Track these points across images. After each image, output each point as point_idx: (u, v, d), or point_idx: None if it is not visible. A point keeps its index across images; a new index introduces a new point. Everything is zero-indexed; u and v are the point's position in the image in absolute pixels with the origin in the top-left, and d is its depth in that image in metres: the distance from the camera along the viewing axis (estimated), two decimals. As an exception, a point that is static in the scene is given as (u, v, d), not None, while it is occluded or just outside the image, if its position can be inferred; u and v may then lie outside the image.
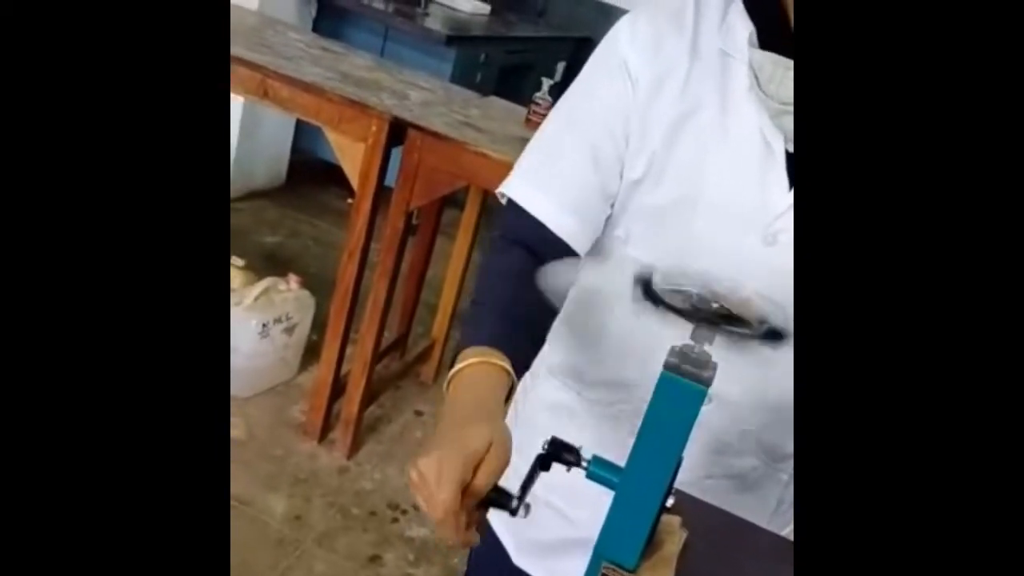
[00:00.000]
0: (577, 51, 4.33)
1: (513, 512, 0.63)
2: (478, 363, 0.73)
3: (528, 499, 0.63)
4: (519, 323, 0.79)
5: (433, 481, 0.60)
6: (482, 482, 0.62)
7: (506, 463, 0.64)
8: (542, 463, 0.67)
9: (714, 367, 0.60)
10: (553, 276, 0.73)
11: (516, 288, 0.80)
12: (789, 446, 0.93)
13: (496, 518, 1.05)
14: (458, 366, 0.73)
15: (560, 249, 0.84)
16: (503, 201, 0.89)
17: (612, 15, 0.87)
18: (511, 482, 0.65)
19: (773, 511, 0.97)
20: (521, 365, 0.76)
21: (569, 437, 0.69)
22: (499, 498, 0.63)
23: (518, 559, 1.02)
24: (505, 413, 0.70)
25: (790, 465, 0.95)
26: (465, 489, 0.61)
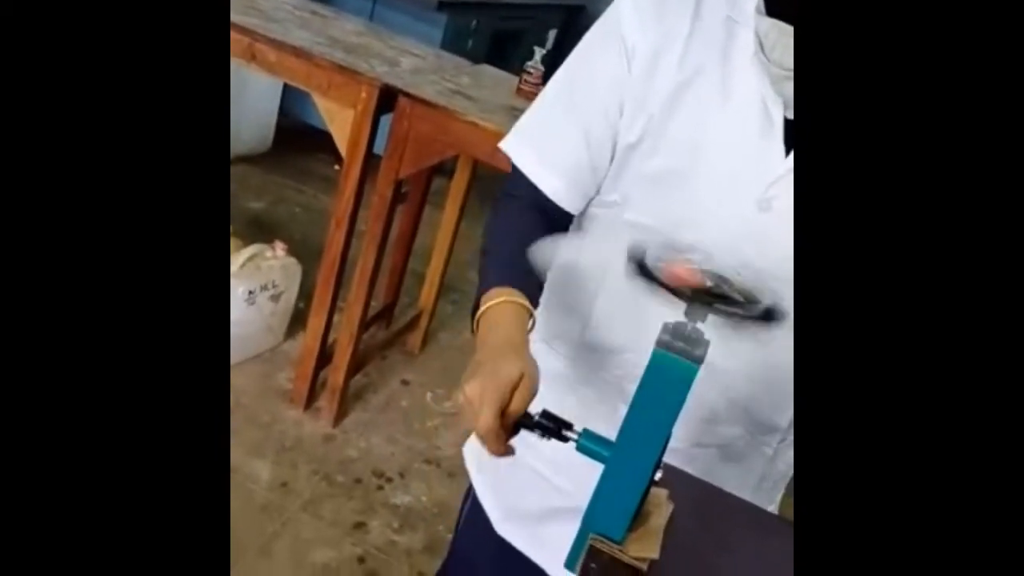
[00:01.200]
0: (569, 19, 4.28)
1: (542, 434, 0.71)
2: (503, 302, 0.79)
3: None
4: (530, 270, 0.84)
5: (477, 403, 0.69)
6: (517, 406, 0.70)
7: (535, 391, 0.72)
8: (542, 432, 0.70)
9: (706, 345, 0.60)
10: (538, 250, 0.78)
11: (521, 237, 0.85)
12: (775, 418, 0.94)
13: (482, 486, 1.06)
14: (484, 306, 0.80)
15: (553, 207, 0.90)
16: (508, 159, 0.93)
17: None
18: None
19: (756, 485, 0.98)
20: (535, 302, 0.83)
21: (560, 403, 0.71)
22: (528, 422, 0.71)
23: (501, 528, 1.03)
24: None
25: (774, 438, 0.96)
26: (503, 411, 0.69)
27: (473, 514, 1.08)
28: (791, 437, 0.98)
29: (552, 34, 4.22)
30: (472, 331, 0.81)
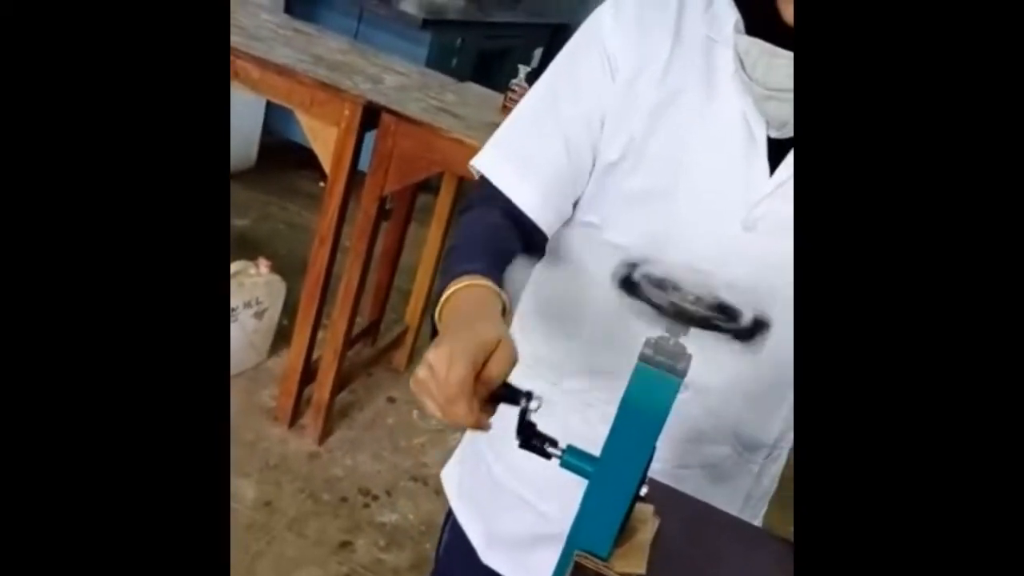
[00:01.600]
0: (554, 37, 4.31)
1: (524, 408, 0.61)
2: (468, 285, 0.70)
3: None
4: (499, 261, 0.76)
5: (445, 367, 0.58)
6: (494, 371, 0.60)
7: (515, 360, 0.62)
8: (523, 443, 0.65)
9: (688, 359, 0.60)
10: (508, 273, 0.73)
11: (493, 233, 0.79)
12: (762, 436, 0.94)
13: (465, 516, 1.05)
14: (448, 292, 0.70)
15: (526, 226, 0.84)
16: (476, 176, 0.89)
17: (589, 2, 0.87)
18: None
19: (742, 504, 0.98)
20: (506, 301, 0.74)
21: (543, 428, 0.69)
22: (509, 394, 0.61)
23: (487, 556, 1.02)
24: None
25: (760, 455, 0.96)
26: (476, 377, 0.59)
27: (454, 539, 1.06)
28: (776, 452, 0.98)
29: (538, 53, 4.26)
30: (432, 333, 0.70)
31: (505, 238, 0.81)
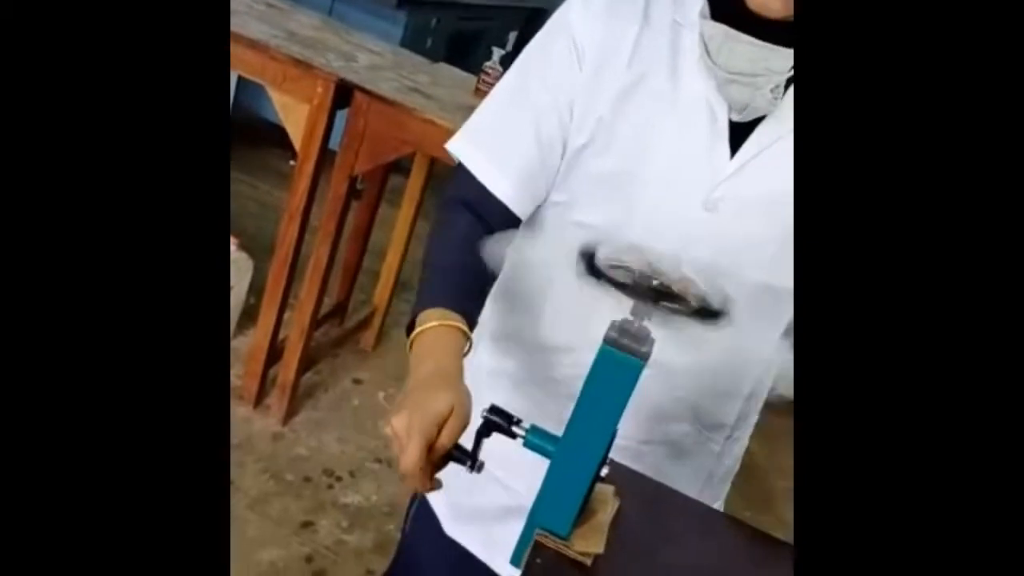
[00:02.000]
0: (530, 21, 4.29)
1: (471, 467, 0.71)
2: (438, 326, 0.78)
3: (482, 458, 0.71)
4: (469, 287, 0.84)
5: (404, 438, 0.68)
6: (445, 441, 0.69)
7: (466, 424, 0.70)
8: (485, 431, 0.68)
9: (652, 342, 0.61)
10: (489, 248, 0.78)
11: (464, 254, 0.83)
12: (721, 415, 0.96)
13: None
14: (419, 328, 0.78)
15: (501, 211, 0.88)
16: (453, 161, 0.91)
17: None
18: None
19: (704, 483, 1.00)
20: (473, 322, 0.82)
21: (510, 402, 0.71)
22: (459, 455, 0.71)
23: (451, 528, 1.03)
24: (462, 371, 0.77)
25: (721, 435, 0.97)
26: (431, 446, 0.69)
27: (422, 514, 1.07)
28: (737, 433, 1.00)
29: (512, 36, 4.23)
30: (408, 349, 0.79)
31: (473, 247, 0.83)
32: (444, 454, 0.70)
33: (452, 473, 1.04)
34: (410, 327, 0.79)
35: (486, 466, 0.99)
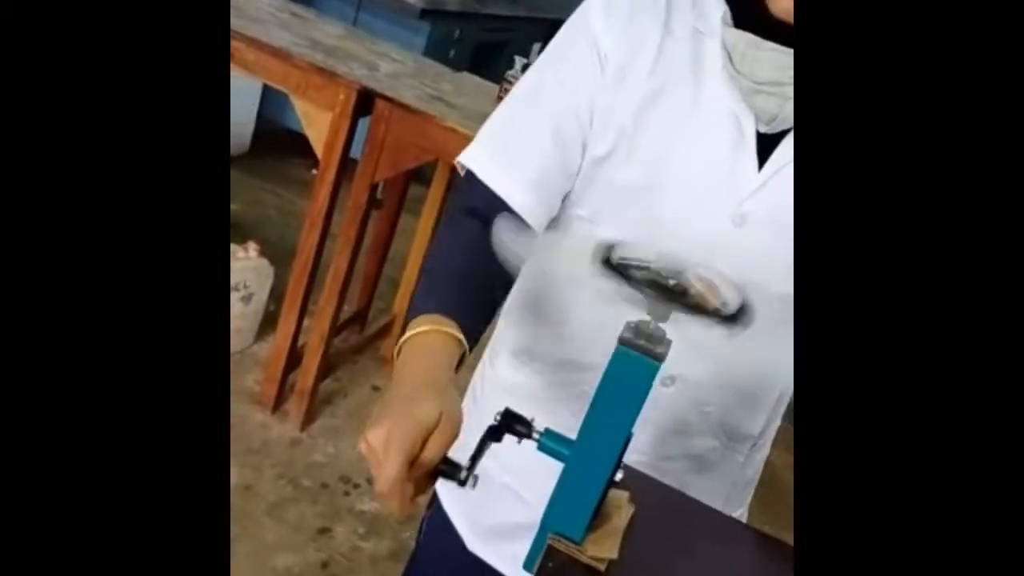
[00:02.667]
0: (552, 32, 4.26)
1: (462, 483, 0.62)
2: (430, 331, 0.70)
3: (477, 471, 0.63)
4: (471, 294, 0.77)
5: (381, 453, 0.59)
6: (430, 455, 0.61)
7: (455, 435, 0.63)
8: (493, 434, 0.66)
9: (668, 343, 0.60)
10: (508, 244, 0.69)
11: (469, 258, 0.78)
12: (748, 426, 0.94)
13: (451, 502, 1.04)
14: (409, 333, 0.71)
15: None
16: (461, 172, 0.87)
17: None
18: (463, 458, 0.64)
19: (728, 494, 0.98)
20: (473, 335, 0.74)
21: (525, 411, 0.68)
22: (448, 470, 0.62)
23: (473, 544, 1.01)
24: (455, 384, 0.69)
25: (747, 445, 0.96)
26: (413, 461, 0.60)
27: (437, 525, 1.06)
28: (761, 441, 0.98)
29: (536, 47, 4.25)
30: (396, 357, 0.71)
31: (479, 257, 0.77)
32: (430, 470, 0.62)
33: (470, 491, 1.02)
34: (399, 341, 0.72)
35: (503, 479, 0.98)
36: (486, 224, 0.80)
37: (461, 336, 0.71)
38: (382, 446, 0.59)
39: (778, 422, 1.00)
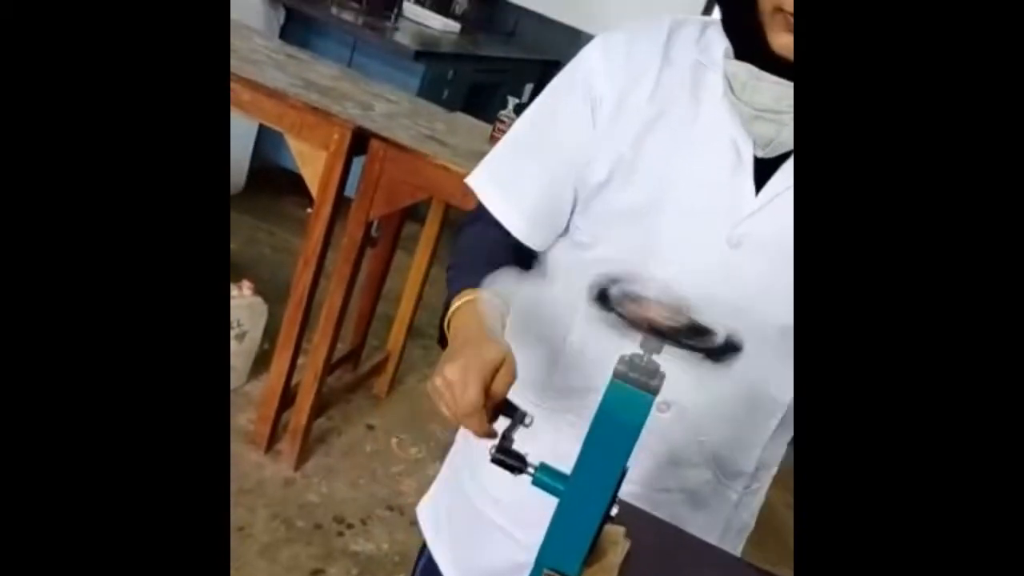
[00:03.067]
0: (545, 74, 4.37)
1: (520, 421, 0.70)
2: (474, 299, 0.79)
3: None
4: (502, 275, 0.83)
5: (459, 384, 0.68)
6: (500, 387, 0.70)
7: (515, 376, 0.71)
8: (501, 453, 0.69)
9: (662, 376, 0.60)
10: (500, 282, 0.80)
11: (491, 252, 0.86)
12: (742, 463, 0.94)
13: (440, 551, 1.04)
14: (455, 305, 0.80)
15: (518, 245, 0.90)
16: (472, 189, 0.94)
17: (581, 39, 0.91)
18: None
19: (721, 533, 0.97)
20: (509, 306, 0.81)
21: (525, 447, 0.69)
22: (508, 409, 0.71)
23: None
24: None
25: (739, 483, 0.95)
26: (485, 392, 0.68)
27: (428, 570, 1.05)
28: (755, 485, 0.98)
29: (529, 88, 4.31)
30: (440, 342, 0.80)
31: (504, 254, 0.87)
32: (494, 407, 0.69)
33: (460, 532, 1.03)
34: (443, 318, 0.80)
35: (497, 520, 0.98)
36: (497, 227, 0.91)
37: (500, 300, 0.79)
38: (460, 377, 0.68)
39: (775, 468, 0.99)
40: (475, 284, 0.81)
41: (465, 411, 0.68)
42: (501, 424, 0.71)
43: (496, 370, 0.69)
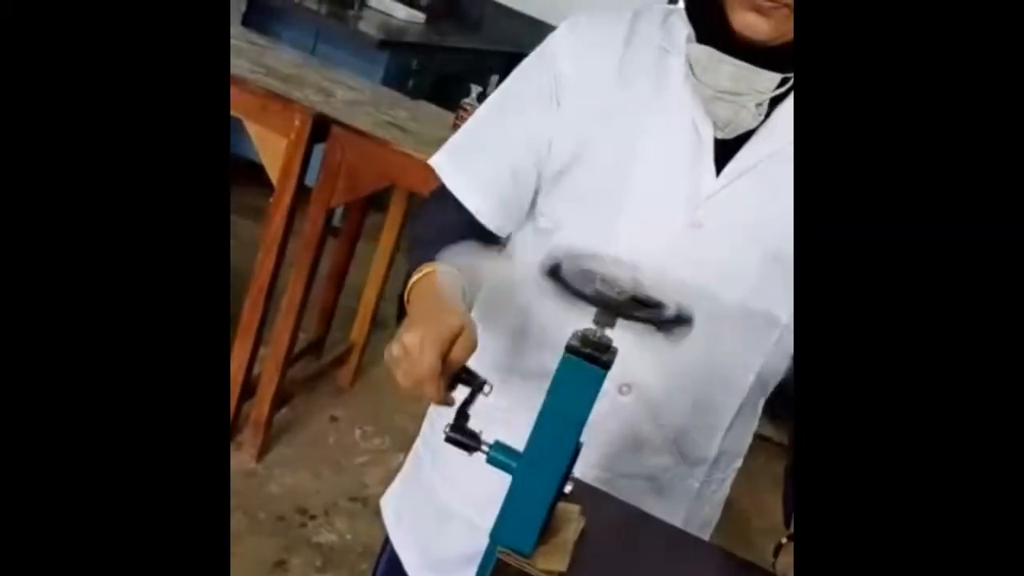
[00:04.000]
0: (510, 65, 4.31)
1: (479, 389, 0.70)
2: (433, 271, 0.78)
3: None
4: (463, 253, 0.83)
5: (417, 350, 0.67)
6: (458, 355, 0.69)
7: (475, 345, 0.70)
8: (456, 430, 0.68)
9: (614, 352, 0.60)
10: (459, 258, 0.78)
11: (450, 234, 0.84)
12: (703, 449, 0.94)
13: (401, 541, 1.04)
14: (414, 278, 0.79)
15: (481, 228, 0.89)
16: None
17: (546, 31, 0.91)
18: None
19: (683, 523, 0.97)
20: (469, 287, 0.81)
21: (492, 432, 0.68)
22: (467, 377, 0.70)
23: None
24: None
25: (702, 471, 0.96)
26: (443, 359, 0.68)
27: (391, 565, 1.05)
28: (718, 475, 0.98)
29: (494, 79, 4.28)
30: (400, 320, 0.80)
31: (462, 236, 0.85)
32: (452, 376, 0.69)
33: (423, 523, 1.02)
34: (403, 293, 0.80)
35: (461, 510, 0.97)
36: (456, 211, 0.90)
37: (459, 274, 0.78)
38: (417, 343, 0.67)
39: (738, 461, 1.00)
40: (434, 255, 0.80)
41: (420, 377, 0.67)
42: (461, 395, 0.70)
43: (455, 337, 0.68)
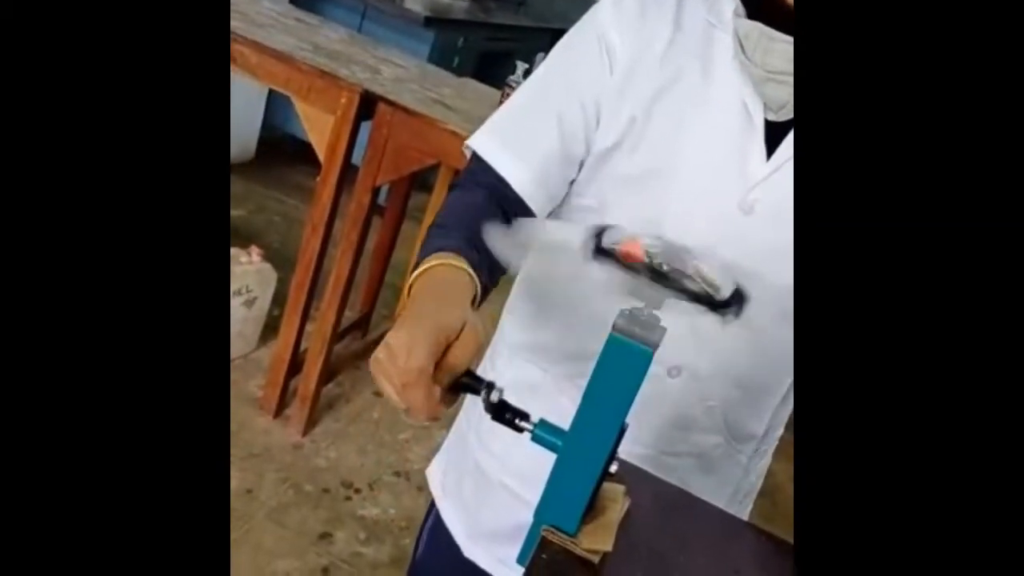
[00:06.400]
0: (555, 42, 4.31)
1: (487, 395, 0.60)
2: (441, 264, 0.69)
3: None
4: (483, 249, 0.74)
5: (404, 349, 0.57)
6: (455, 360, 0.59)
7: (479, 347, 0.60)
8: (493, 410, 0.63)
9: (662, 331, 0.59)
10: (492, 238, 0.68)
11: (480, 219, 0.76)
12: (752, 426, 0.93)
13: (448, 508, 1.04)
14: (421, 268, 0.69)
15: (517, 207, 0.84)
16: (467, 154, 0.89)
17: (590, 7, 0.87)
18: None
19: (730, 497, 0.97)
20: (483, 278, 0.72)
21: (533, 415, 0.66)
22: (471, 382, 0.60)
23: (469, 550, 1.00)
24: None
25: (750, 447, 0.95)
26: (437, 364, 0.58)
27: (436, 534, 1.05)
28: (764, 447, 0.97)
29: (540, 57, 4.25)
30: (406, 295, 0.70)
31: (487, 217, 0.79)
32: (453, 381, 0.58)
33: (468, 493, 1.02)
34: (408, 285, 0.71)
35: (503, 480, 0.97)
36: (492, 193, 0.83)
37: (471, 271, 0.70)
38: (405, 343, 0.57)
39: (780, 430, 0.99)
40: (449, 247, 0.72)
41: (405, 381, 0.57)
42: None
43: (453, 338, 0.59)
